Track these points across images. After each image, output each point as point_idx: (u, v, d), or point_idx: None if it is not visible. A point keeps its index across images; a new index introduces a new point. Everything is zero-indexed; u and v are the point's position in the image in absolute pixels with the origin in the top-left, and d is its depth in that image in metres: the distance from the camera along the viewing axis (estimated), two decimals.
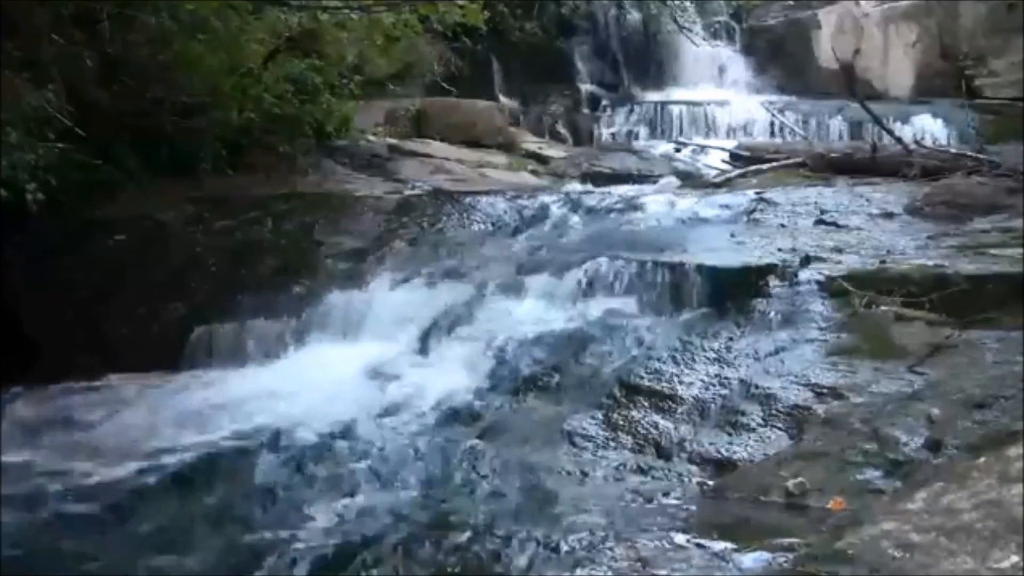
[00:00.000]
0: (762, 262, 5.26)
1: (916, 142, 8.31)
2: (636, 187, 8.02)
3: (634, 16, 12.74)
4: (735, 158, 9.44)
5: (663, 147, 10.61)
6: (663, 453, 3.93)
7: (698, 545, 2.99)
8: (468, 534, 3.36)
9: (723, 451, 3.84)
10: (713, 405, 4.14)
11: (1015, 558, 2.09)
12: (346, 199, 7.14)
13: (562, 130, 11.42)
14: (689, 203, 6.87)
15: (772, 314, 4.78)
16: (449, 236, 6.50)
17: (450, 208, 6.87)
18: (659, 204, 6.89)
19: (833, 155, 8.52)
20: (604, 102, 11.91)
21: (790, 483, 3.32)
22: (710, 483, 3.67)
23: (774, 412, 3.97)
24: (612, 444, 4.03)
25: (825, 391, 4.01)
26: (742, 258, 5.41)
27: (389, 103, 9.96)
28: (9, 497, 3.96)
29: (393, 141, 9.20)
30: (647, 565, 2.91)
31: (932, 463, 3.26)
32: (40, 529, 3.76)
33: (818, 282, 4.93)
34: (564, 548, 3.12)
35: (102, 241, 6.39)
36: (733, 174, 8.51)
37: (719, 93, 12.09)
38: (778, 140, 10.29)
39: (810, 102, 11.28)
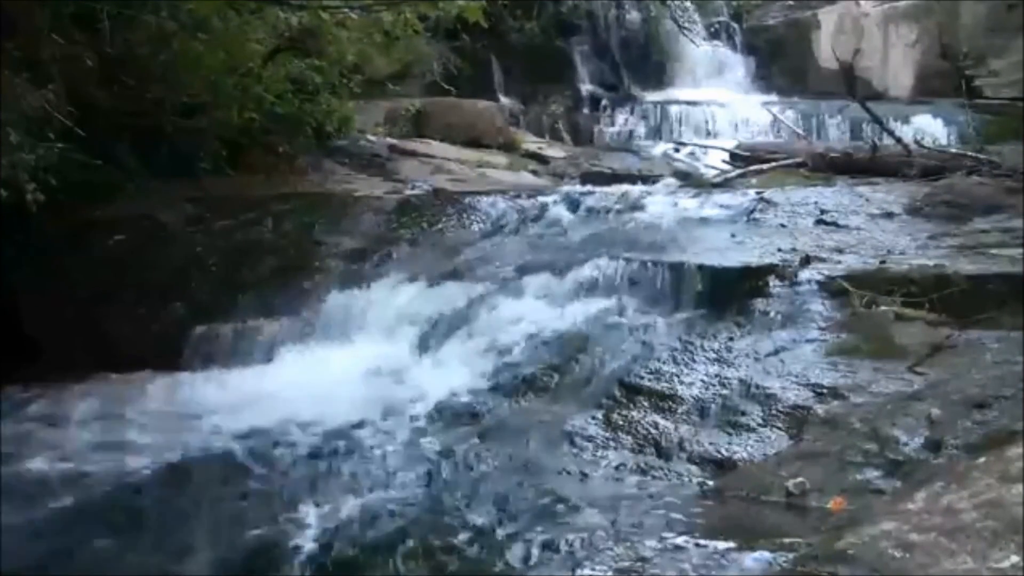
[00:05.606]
0: (762, 262, 5.26)
1: (916, 142, 8.30)
2: (636, 187, 8.00)
3: (634, 16, 12.74)
4: (735, 158, 9.43)
5: (663, 147, 10.62)
6: (663, 453, 3.93)
7: (698, 545, 2.99)
8: (468, 534, 3.37)
9: (723, 451, 3.84)
10: (713, 405, 4.14)
11: (1015, 558, 2.09)
12: (346, 199, 7.13)
13: (562, 130, 11.41)
14: (689, 203, 6.86)
15: (772, 314, 4.78)
16: (449, 236, 6.50)
17: (450, 208, 6.86)
18: (659, 204, 6.88)
19: (833, 155, 8.51)
20: (604, 102, 11.89)
21: (790, 483, 3.33)
22: (710, 483, 3.67)
23: (774, 412, 3.97)
24: (612, 444, 4.03)
25: (825, 391, 4.01)
26: (742, 258, 5.40)
27: (389, 103, 9.95)
28: (9, 496, 3.96)
29: (393, 141, 9.19)
30: (647, 565, 2.91)
31: (932, 463, 3.27)
32: (40, 528, 3.76)
33: (818, 282, 4.93)
34: (564, 548, 3.13)
35: (102, 241, 6.40)
36: (733, 174, 8.50)
37: (719, 93, 12.07)
38: (778, 140, 10.28)
39: (810, 102, 11.27)
